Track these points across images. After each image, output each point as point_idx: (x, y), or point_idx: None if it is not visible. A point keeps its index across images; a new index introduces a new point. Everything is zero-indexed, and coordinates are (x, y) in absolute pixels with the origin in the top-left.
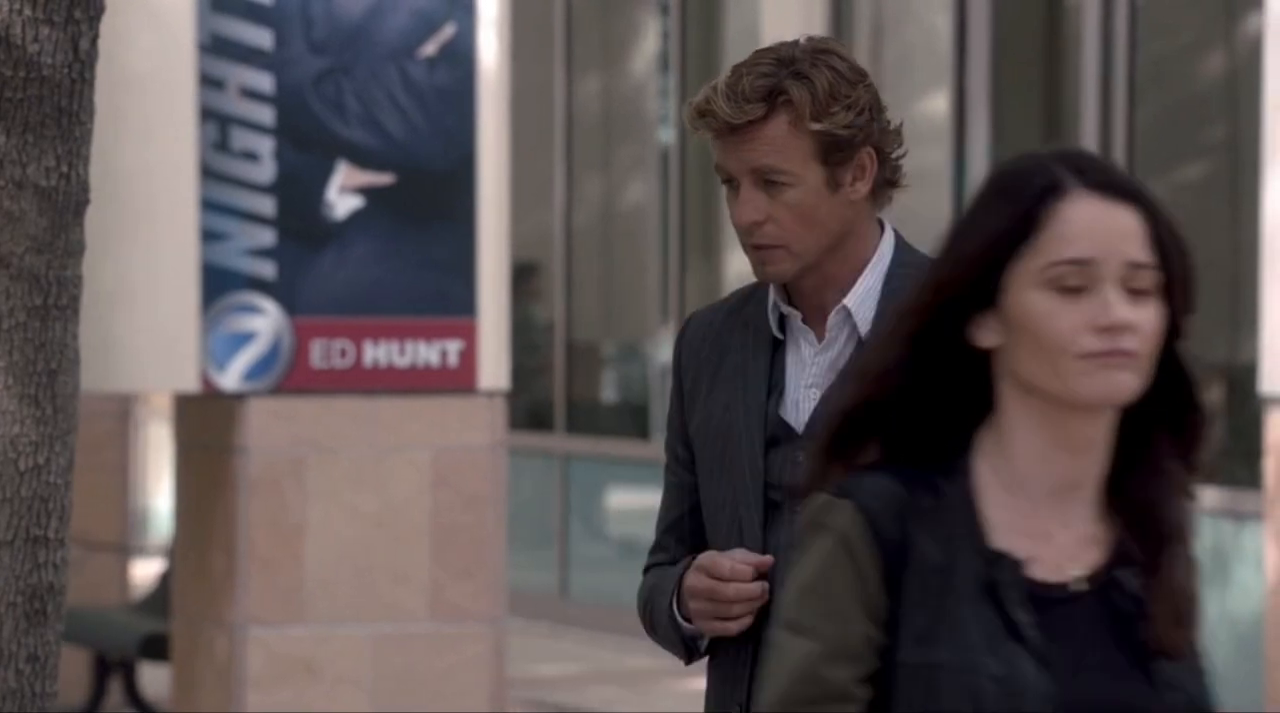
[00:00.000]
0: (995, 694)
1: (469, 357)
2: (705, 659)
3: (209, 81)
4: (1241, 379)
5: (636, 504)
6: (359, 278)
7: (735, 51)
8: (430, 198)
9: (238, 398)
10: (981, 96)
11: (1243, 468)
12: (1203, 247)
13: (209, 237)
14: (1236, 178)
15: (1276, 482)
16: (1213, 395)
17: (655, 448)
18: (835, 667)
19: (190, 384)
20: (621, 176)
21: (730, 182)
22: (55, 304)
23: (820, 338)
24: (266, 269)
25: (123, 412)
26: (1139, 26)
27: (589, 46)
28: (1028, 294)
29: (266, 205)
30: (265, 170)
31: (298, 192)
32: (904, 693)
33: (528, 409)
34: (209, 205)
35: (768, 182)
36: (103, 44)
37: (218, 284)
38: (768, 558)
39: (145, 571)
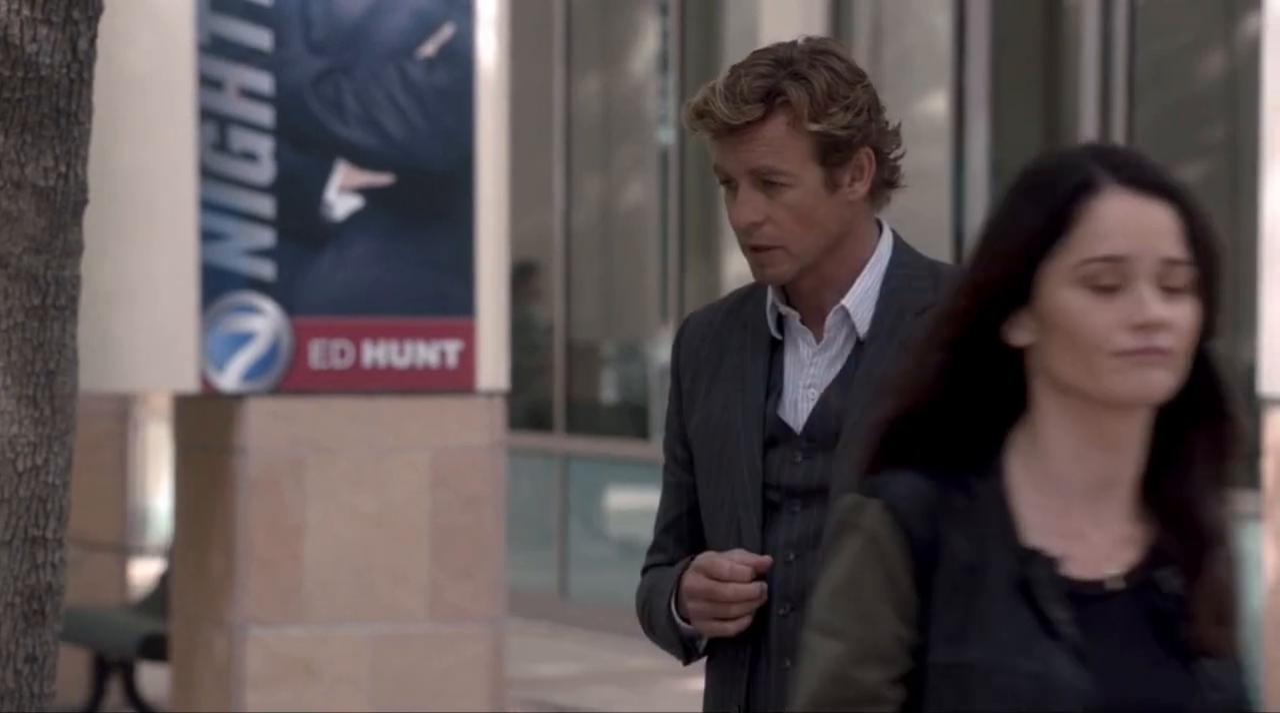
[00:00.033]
0: (1031, 693)
1: (468, 357)
2: (703, 660)
3: (208, 82)
4: (1241, 379)
5: (636, 504)
6: (358, 278)
7: (735, 52)
8: (429, 198)
9: (237, 398)
10: (981, 97)
11: (1242, 468)
12: None
13: (208, 237)
14: (1236, 178)
15: (1276, 482)
16: None
17: (655, 448)
18: (866, 668)
19: (189, 384)
20: (621, 177)
21: (728, 182)
22: (53, 304)
23: (818, 338)
24: (265, 269)
25: (122, 412)
26: (1138, 26)
27: (588, 46)
28: (1062, 292)
29: (265, 206)
30: (264, 171)
31: (297, 192)
32: (936, 694)
33: (527, 409)
34: (208, 206)
35: (766, 182)
36: (102, 44)
37: (217, 284)
38: (766, 558)
39: (144, 571)
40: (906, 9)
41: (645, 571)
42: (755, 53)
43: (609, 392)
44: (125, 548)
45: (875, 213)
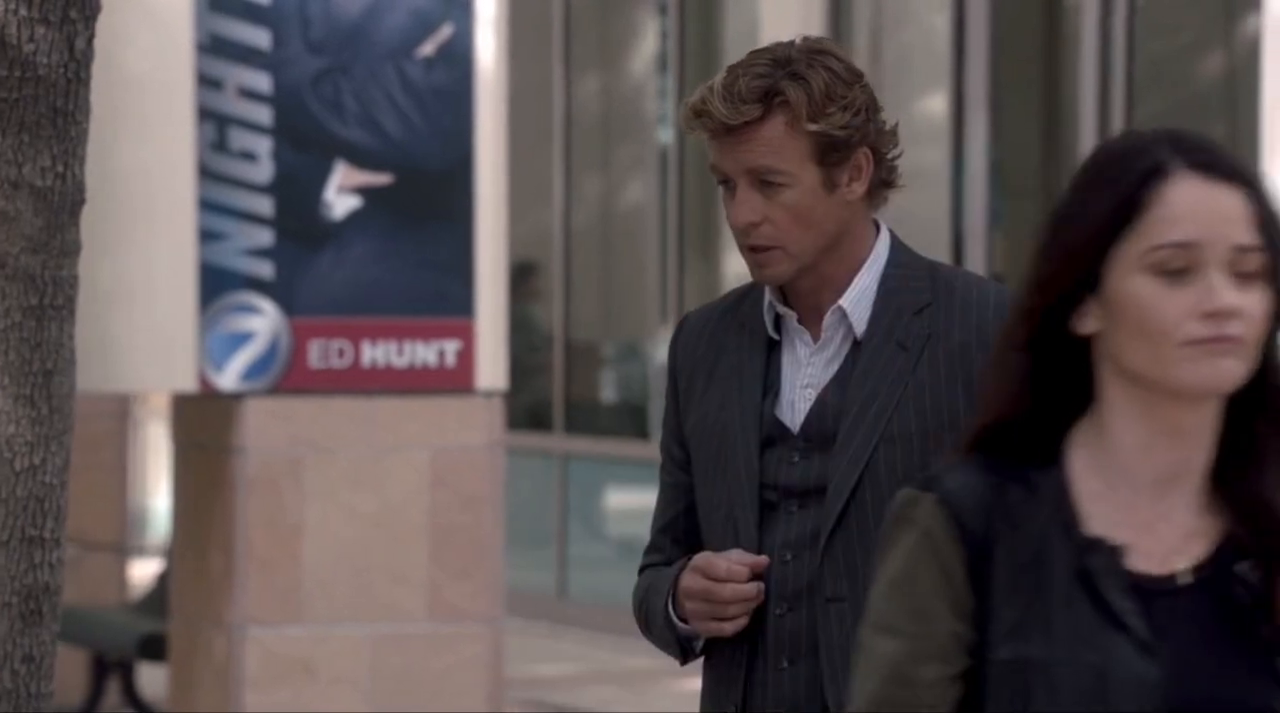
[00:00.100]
0: (1095, 687)
1: (467, 357)
2: (701, 660)
3: (207, 81)
4: None
5: (635, 504)
6: (357, 278)
7: (734, 51)
8: (428, 198)
9: (235, 398)
10: (980, 97)
11: None
12: None
13: (207, 236)
14: None
15: None
16: None
17: (654, 448)
18: (925, 667)
19: (188, 384)
20: (620, 176)
21: (726, 182)
22: (51, 304)
23: (816, 338)
24: (264, 269)
25: (121, 412)
26: (1138, 26)
27: (587, 46)
28: (1130, 279)
29: (264, 205)
30: (263, 170)
31: (296, 191)
32: (997, 691)
33: (527, 409)
34: (207, 205)
35: (764, 182)
36: (101, 44)
37: (216, 284)
38: (763, 559)
39: (143, 571)
40: (906, 9)
41: (642, 570)
42: (753, 53)
43: (608, 391)
44: (124, 548)
45: (873, 213)
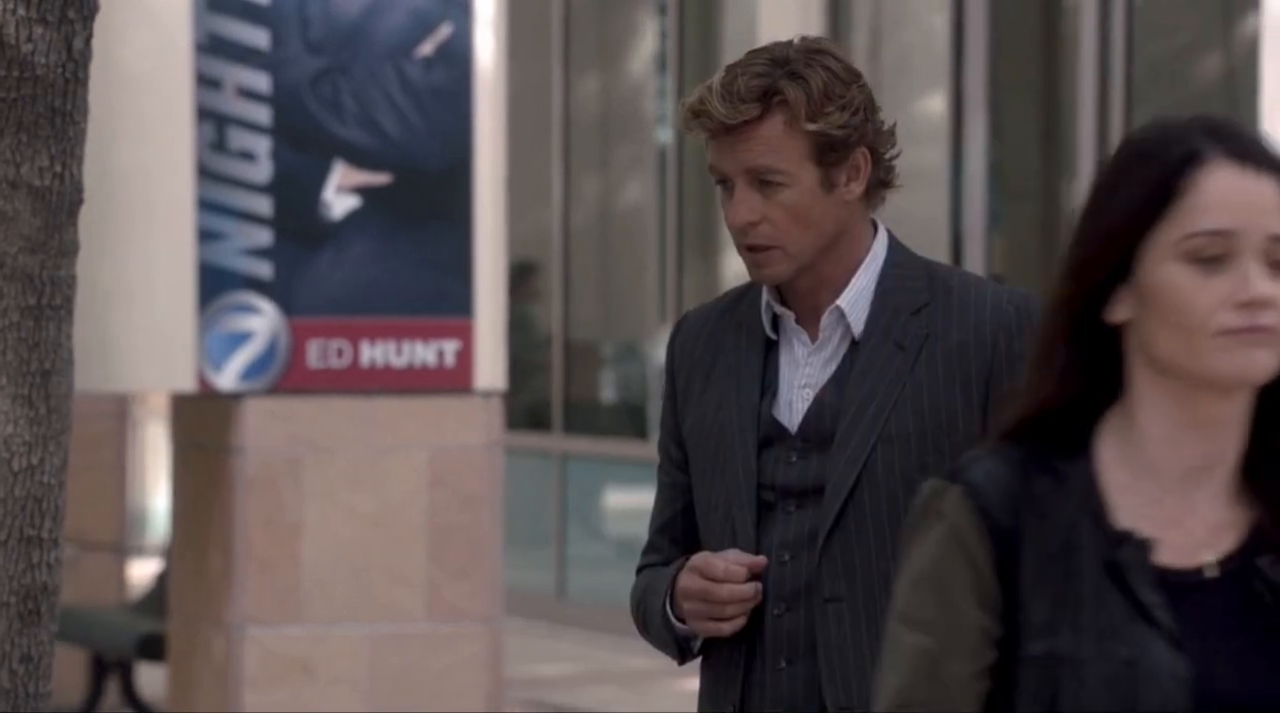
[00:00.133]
0: (1126, 680)
1: (466, 357)
2: (699, 660)
3: (206, 81)
4: None
5: (634, 504)
6: (356, 278)
7: (733, 51)
8: (427, 198)
9: (234, 398)
10: (979, 97)
11: None
12: None
13: (206, 236)
14: None
15: None
16: None
17: (653, 448)
18: (953, 661)
19: (187, 384)
20: (619, 176)
21: (724, 182)
22: (49, 304)
23: (814, 338)
24: (263, 269)
25: (120, 411)
26: (1136, 27)
27: (587, 46)
28: (1164, 267)
29: (263, 205)
30: (262, 170)
31: (294, 191)
32: (1027, 686)
33: (526, 409)
34: (206, 205)
35: (763, 182)
36: (99, 44)
37: (214, 284)
38: (761, 559)
39: (142, 571)
40: (905, 9)
41: (640, 570)
42: (751, 52)
43: (607, 391)
44: (123, 548)
45: (870, 213)
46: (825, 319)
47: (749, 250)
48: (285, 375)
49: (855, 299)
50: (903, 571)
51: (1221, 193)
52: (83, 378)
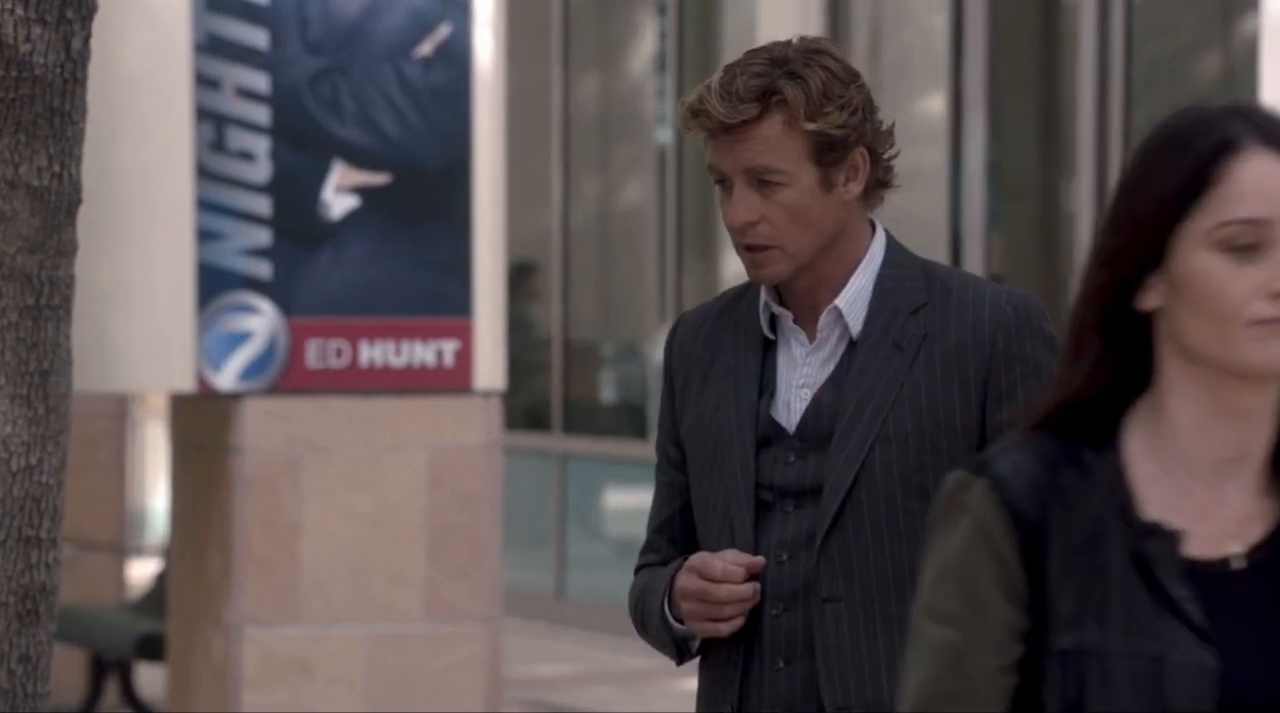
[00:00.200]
0: (1152, 676)
1: (465, 357)
2: (697, 660)
3: (205, 81)
4: None
5: (634, 504)
6: (355, 278)
7: (732, 51)
8: (426, 198)
9: (233, 398)
10: (978, 97)
11: None
12: None
13: (205, 236)
14: None
15: None
16: None
17: (653, 448)
18: (980, 656)
19: (186, 384)
20: (619, 176)
21: (723, 182)
22: (47, 304)
23: (812, 338)
24: (262, 269)
25: (119, 412)
26: (1136, 27)
27: (586, 46)
28: (1196, 255)
29: (262, 205)
30: (261, 170)
31: (293, 191)
32: (1053, 679)
33: (525, 409)
34: (205, 205)
35: (761, 182)
36: (98, 44)
37: (213, 284)
38: (759, 559)
39: (141, 571)
40: (904, 9)
41: (638, 570)
42: (750, 52)
43: (607, 391)
44: (123, 548)
45: (869, 213)
46: (823, 319)
47: (747, 250)
48: (284, 375)
49: (853, 299)
50: (927, 564)
51: (1257, 181)
52: (82, 378)
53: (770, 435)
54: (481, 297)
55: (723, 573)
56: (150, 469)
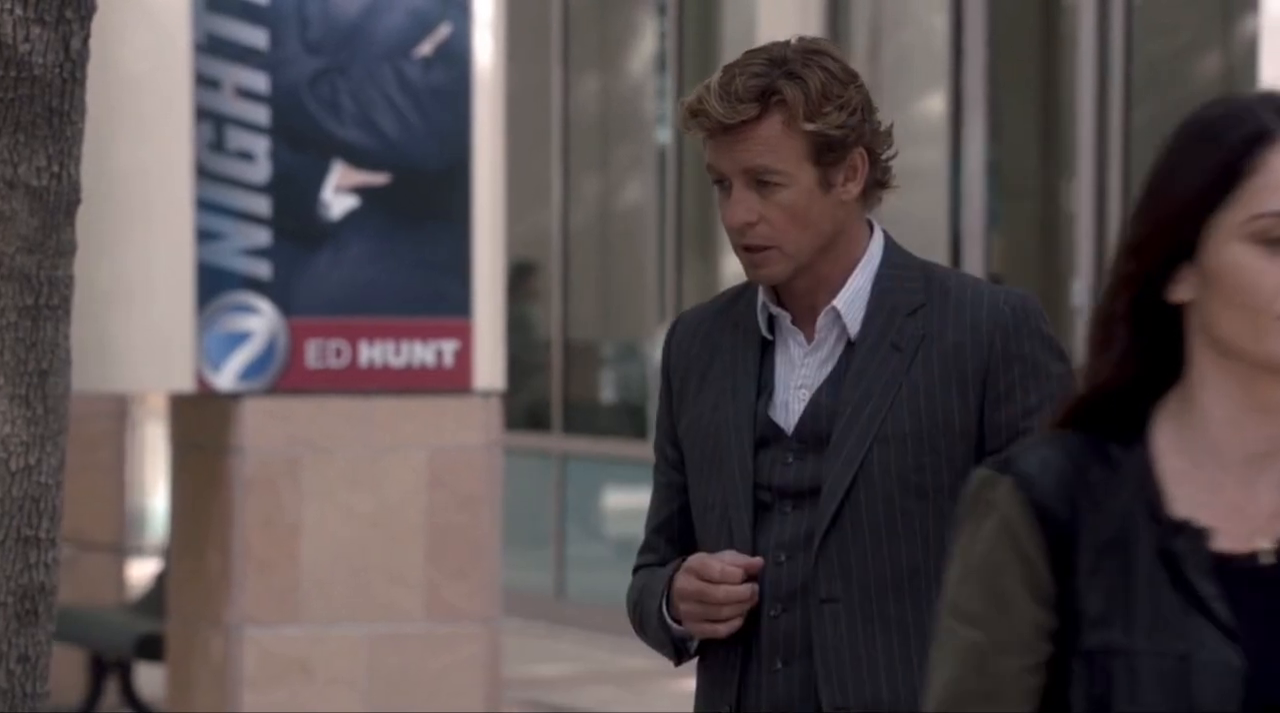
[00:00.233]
0: (1179, 675)
1: (464, 357)
2: (695, 660)
3: (204, 81)
4: None
5: (633, 504)
6: (354, 278)
7: (732, 52)
8: (425, 198)
9: (233, 398)
10: (978, 97)
11: None
12: None
13: (204, 236)
14: None
15: None
16: None
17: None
18: (1006, 657)
19: (185, 384)
20: (619, 177)
21: (722, 182)
22: (46, 304)
23: (809, 339)
24: (262, 269)
25: (119, 412)
26: (1135, 27)
27: (586, 46)
28: (1229, 247)
29: (262, 205)
30: (260, 170)
31: (293, 191)
32: (1080, 679)
33: (525, 409)
34: (204, 205)
35: (760, 182)
36: (98, 44)
37: (213, 284)
38: (757, 560)
39: (141, 571)
40: (904, 9)
41: (636, 571)
42: (749, 52)
43: (606, 391)
44: (122, 548)
45: (867, 213)
46: (821, 320)
47: (746, 250)
48: (284, 375)
49: (851, 300)
50: (952, 563)
51: None
52: (81, 378)
53: (768, 436)
54: (481, 297)
55: (721, 574)
56: (150, 469)
